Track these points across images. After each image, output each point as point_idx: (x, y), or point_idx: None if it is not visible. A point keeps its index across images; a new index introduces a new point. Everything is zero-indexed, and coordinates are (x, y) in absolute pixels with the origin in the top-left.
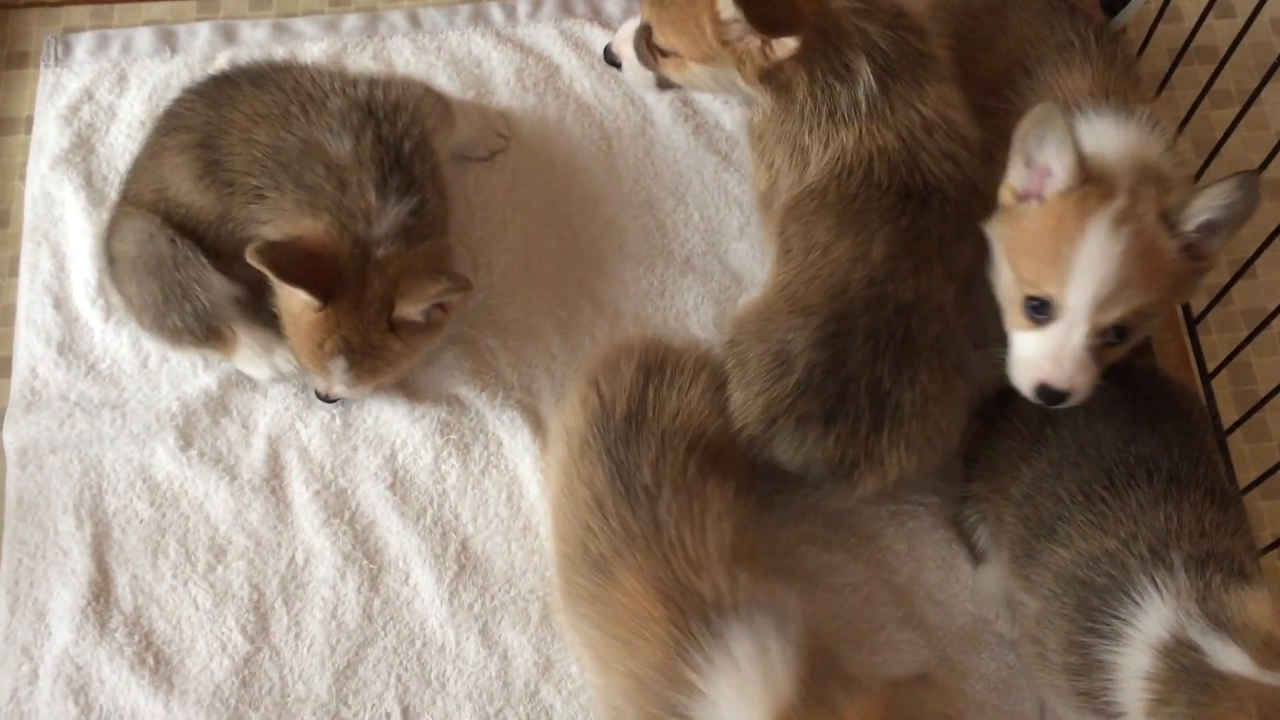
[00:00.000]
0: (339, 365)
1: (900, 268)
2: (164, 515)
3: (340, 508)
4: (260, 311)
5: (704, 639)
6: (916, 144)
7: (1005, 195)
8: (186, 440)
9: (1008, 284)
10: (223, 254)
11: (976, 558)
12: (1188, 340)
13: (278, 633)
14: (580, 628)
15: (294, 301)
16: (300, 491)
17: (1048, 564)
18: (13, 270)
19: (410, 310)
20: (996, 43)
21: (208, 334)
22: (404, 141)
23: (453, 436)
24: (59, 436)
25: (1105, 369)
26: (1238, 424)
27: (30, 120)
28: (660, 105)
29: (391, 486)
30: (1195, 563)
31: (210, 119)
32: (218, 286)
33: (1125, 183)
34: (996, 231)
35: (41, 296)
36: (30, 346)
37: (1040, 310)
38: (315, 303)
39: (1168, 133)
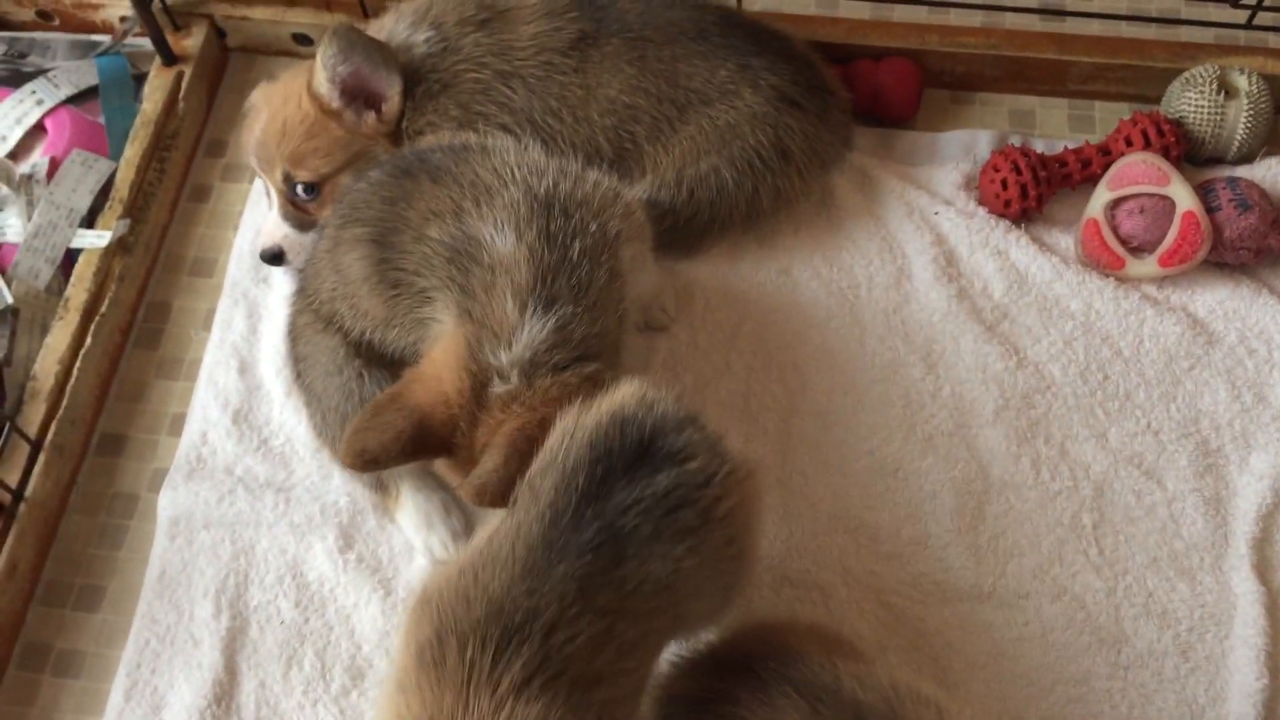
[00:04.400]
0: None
1: None
2: (307, 620)
3: None
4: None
5: None
6: None
7: None
8: (347, 541)
9: None
10: (390, 361)
11: None
12: None
13: None
14: None
15: None
16: None
17: None
18: (207, 324)
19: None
20: None
21: (376, 484)
22: (575, 240)
23: None
24: (216, 512)
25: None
26: None
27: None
28: (920, 258)
29: None
30: None
31: (385, 214)
32: None
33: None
34: None
35: (229, 358)
36: (206, 409)
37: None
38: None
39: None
